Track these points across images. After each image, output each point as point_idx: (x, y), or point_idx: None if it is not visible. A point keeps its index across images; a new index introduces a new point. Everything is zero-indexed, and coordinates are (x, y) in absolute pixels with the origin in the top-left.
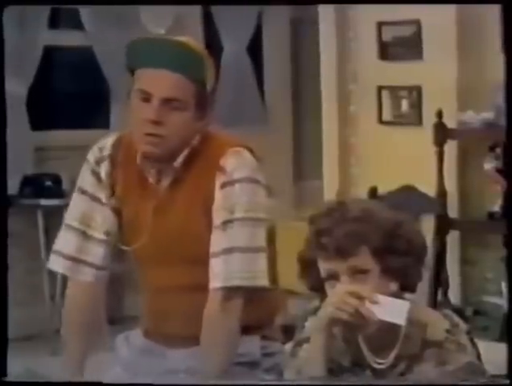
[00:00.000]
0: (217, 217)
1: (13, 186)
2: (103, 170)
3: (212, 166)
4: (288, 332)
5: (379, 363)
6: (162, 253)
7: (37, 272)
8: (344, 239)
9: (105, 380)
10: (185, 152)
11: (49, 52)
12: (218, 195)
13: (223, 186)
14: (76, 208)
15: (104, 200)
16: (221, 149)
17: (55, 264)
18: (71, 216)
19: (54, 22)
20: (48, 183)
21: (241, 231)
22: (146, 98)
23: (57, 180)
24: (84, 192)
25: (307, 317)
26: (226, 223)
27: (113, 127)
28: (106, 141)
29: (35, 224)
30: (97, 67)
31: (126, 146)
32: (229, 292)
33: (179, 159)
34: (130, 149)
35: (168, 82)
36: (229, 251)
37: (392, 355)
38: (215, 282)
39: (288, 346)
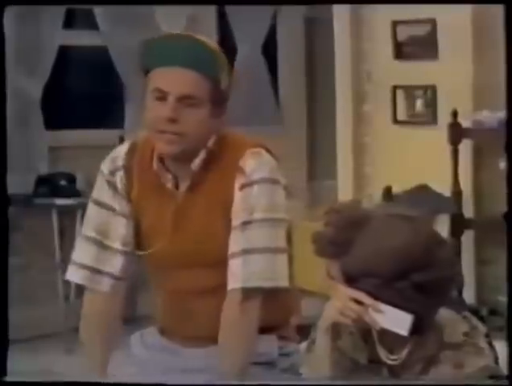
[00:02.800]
0: (236, 218)
1: (27, 185)
2: (118, 180)
3: (230, 167)
4: (303, 332)
5: (392, 360)
6: (181, 256)
7: (52, 271)
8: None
9: (120, 378)
10: (202, 155)
11: (64, 52)
12: (237, 196)
13: (242, 187)
14: (92, 219)
15: (121, 210)
16: (240, 151)
17: (74, 275)
18: (88, 227)
19: (69, 22)
20: (63, 183)
21: (260, 231)
22: (162, 97)
23: (71, 179)
24: (100, 203)
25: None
26: (245, 224)
27: (128, 127)
28: (119, 151)
29: (49, 224)
30: (111, 67)
31: (141, 154)
32: (248, 293)
33: (197, 162)
34: (144, 156)
35: (183, 79)
36: (248, 252)
37: (405, 352)
38: (234, 283)
39: (304, 344)
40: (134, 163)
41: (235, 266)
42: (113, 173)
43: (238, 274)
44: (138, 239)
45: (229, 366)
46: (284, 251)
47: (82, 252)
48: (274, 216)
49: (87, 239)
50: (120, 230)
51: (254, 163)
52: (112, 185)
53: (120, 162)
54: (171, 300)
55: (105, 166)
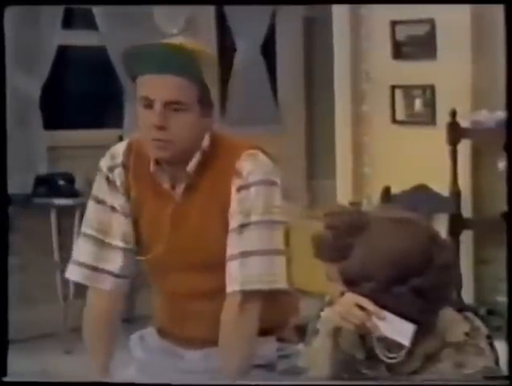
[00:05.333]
0: (234, 221)
1: (26, 185)
2: (117, 177)
3: (227, 169)
4: (302, 333)
5: (390, 358)
6: (178, 259)
7: (50, 271)
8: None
9: (120, 379)
10: (197, 156)
11: (63, 52)
12: (234, 198)
13: (239, 189)
14: (92, 217)
15: (120, 208)
16: (236, 153)
17: (74, 273)
18: (87, 225)
19: (68, 22)
20: (61, 183)
21: (257, 234)
22: (149, 104)
23: (70, 179)
24: (99, 201)
25: (323, 308)
26: (243, 227)
27: (127, 127)
28: (118, 148)
29: (48, 224)
30: (110, 66)
31: (137, 153)
32: (247, 295)
33: (192, 164)
34: (141, 156)
35: (168, 86)
36: (246, 254)
37: (403, 352)
38: (232, 286)
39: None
40: (131, 163)
41: (233, 269)
42: (111, 169)
43: (237, 277)
44: (136, 239)
45: (229, 368)
46: (282, 253)
47: (82, 251)
48: (272, 218)
49: (86, 237)
50: (120, 227)
51: (251, 165)
52: (111, 182)
53: (119, 160)
54: (168, 302)
55: (103, 164)
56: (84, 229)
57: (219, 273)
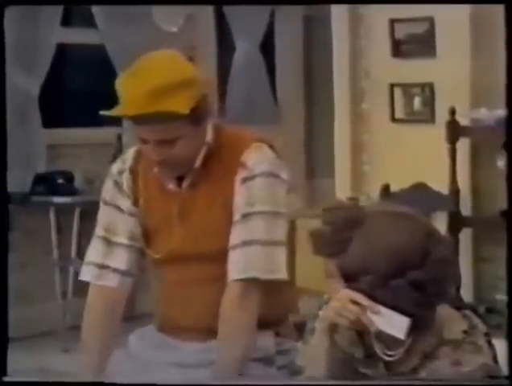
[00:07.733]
0: (238, 211)
1: (25, 183)
2: (124, 180)
3: (232, 162)
4: (301, 331)
5: (389, 355)
6: (185, 249)
7: (49, 269)
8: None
9: (119, 377)
10: (203, 151)
11: (62, 50)
12: (239, 189)
13: (244, 180)
14: (101, 218)
15: (125, 208)
16: (242, 145)
17: (85, 274)
18: (98, 227)
19: (67, 20)
20: (60, 181)
21: (259, 224)
22: (144, 141)
23: (69, 178)
24: (106, 202)
25: (322, 306)
26: (246, 216)
27: (126, 125)
28: (128, 153)
29: (47, 222)
30: (109, 64)
31: (146, 157)
32: (248, 284)
33: (198, 160)
34: (149, 159)
35: (156, 130)
36: (247, 243)
37: (402, 349)
38: (234, 274)
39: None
40: (139, 167)
41: (235, 257)
42: (120, 173)
43: (237, 265)
44: (147, 241)
45: (227, 359)
46: (282, 244)
47: (92, 251)
48: (274, 209)
49: (97, 238)
50: (125, 225)
51: (256, 157)
52: (118, 184)
53: (127, 164)
54: (172, 290)
55: (114, 167)
56: (95, 231)
57: (220, 262)
